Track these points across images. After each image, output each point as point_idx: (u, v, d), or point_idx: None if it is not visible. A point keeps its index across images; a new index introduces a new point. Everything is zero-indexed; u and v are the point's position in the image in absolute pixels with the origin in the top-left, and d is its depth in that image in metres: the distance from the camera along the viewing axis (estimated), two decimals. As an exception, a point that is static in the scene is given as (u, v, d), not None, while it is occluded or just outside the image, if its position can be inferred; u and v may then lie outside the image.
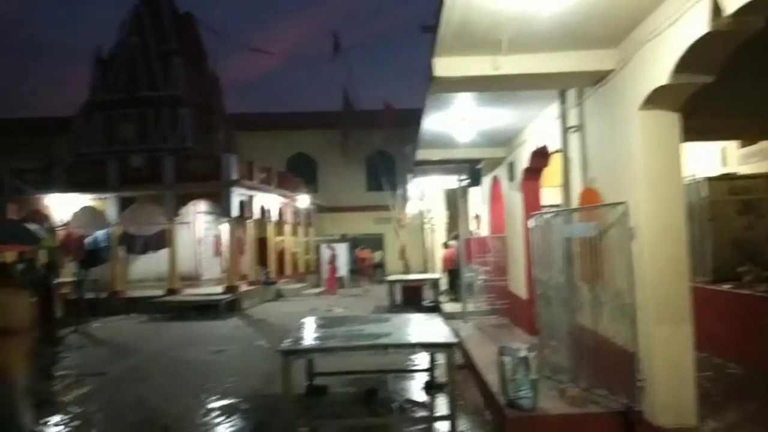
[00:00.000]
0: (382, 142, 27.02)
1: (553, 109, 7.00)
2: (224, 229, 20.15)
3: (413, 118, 8.72)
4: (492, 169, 11.37)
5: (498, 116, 7.90)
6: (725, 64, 4.34)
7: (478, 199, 13.76)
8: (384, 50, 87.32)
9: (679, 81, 4.42)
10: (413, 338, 6.12)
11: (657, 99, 4.74)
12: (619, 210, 5.18)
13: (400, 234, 25.40)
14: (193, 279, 20.71)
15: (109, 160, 19.24)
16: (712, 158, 10.40)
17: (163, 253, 18.81)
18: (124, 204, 18.90)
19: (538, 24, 4.53)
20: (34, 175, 19.18)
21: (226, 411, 6.91)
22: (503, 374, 5.35)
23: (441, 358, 6.86)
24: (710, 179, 8.27)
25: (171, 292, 18.10)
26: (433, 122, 7.97)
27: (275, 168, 23.69)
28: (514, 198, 9.70)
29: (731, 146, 10.26)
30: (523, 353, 5.28)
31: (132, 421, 6.75)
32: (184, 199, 18.89)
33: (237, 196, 18.89)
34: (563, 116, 6.61)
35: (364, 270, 25.66)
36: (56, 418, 6.82)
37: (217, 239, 22.33)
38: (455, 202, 14.56)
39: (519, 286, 9.58)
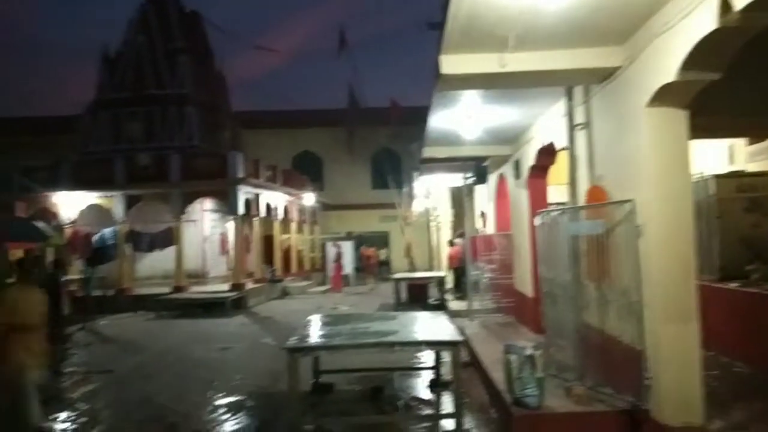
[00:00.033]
0: (388, 140, 27.03)
1: (560, 106, 6.98)
2: (230, 227, 20.22)
3: (419, 115, 8.72)
4: (498, 167, 11.35)
5: (504, 113, 7.88)
6: (733, 61, 4.32)
7: (484, 197, 13.73)
8: (390, 47, 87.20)
9: (686, 78, 4.40)
10: (419, 336, 6.13)
11: (664, 96, 4.71)
12: (626, 208, 5.16)
13: (405, 232, 25.38)
14: (199, 277, 20.80)
15: (115, 159, 19.33)
16: (719, 156, 10.33)
17: (170, 251, 18.89)
18: (130, 202, 18.98)
19: (545, 19, 4.51)
20: (42, 173, 19.30)
21: (233, 408, 6.93)
22: (509, 372, 5.35)
23: (447, 356, 6.87)
24: (718, 177, 8.23)
25: (177, 289, 18.19)
26: (439, 120, 7.96)
27: (281, 166, 23.73)
28: (520, 196, 9.69)
29: (739, 143, 10.20)
30: (529, 351, 5.27)
31: (139, 418, 6.79)
32: (190, 197, 18.95)
33: (243, 194, 18.93)
34: (570, 113, 6.59)
35: (370, 268, 25.67)
36: (64, 415, 6.86)
37: (224, 237, 22.42)
38: (461, 199, 14.54)
39: (525, 284, 9.57)
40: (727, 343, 7.03)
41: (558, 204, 8.23)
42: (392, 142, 26.74)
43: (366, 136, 27.34)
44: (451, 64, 5.26)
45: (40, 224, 14.69)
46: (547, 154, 8.26)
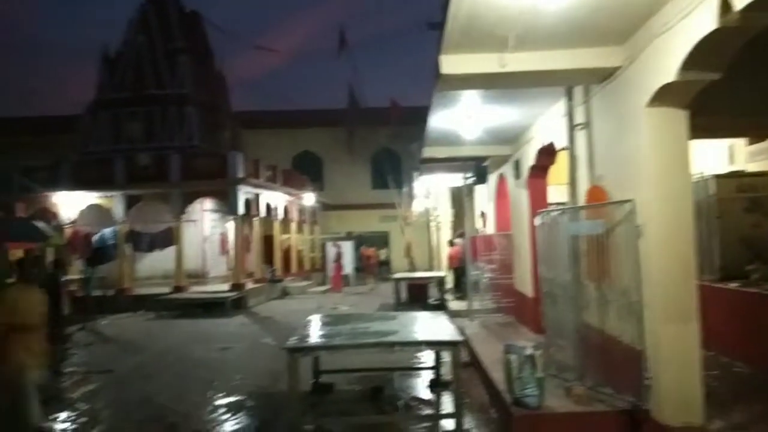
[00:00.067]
0: (388, 140, 27.02)
1: (560, 106, 6.98)
2: (230, 226, 20.22)
3: (419, 115, 8.72)
4: (498, 167, 11.35)
5: (504, 114, 7.89)
6: (733, 61, 4.32)
7: (484, 197, 13.73)
8: (390, 47, 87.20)
9: (686, 78, 4.40)
10: (419, 336, 6.13)
11: (664, 96, 4.72)
12: (626, 208, 5.16)
13: (405, 232, 25.38)
14: (199, 277, 20.80)
15: (115, 159, 19.33)
16: (719, 156, 10.33)
17: (170, 251, 18.89)
18: (130, 202, 18.98)
19: (545, 19, 4.51)
20: (42, 173, 19.29)
21: (233, 408, 6.93)
22: (509, 372, 5.35)
23: (447, 356, 6.86)
24: (718, 177, 8.23)
25: (177, 289, 18.19)
26: (439, 120, 7.96)
27: (281, 166, 23.72)
28: (520, 196, 9.69)
29: (739, 143, 10.20)
30: (529, 351, 5.27)
31: (139, 418, 6.79)
32: (190, 197, 18.95)
33: (243, 194, 18.93)
34: (570, 113, 6.59)
35: (370, 268, 25.67)
36: (64, 415, 6.86)
37: (224, 237, 22.42)
38: (461, 199, 14.54)
39: (525, 284, 9.57)
40: (727, 343, 7.03)
41: (558, 204, 8.23)
42: (392, 142, 26.74)
43: (366, 136, 27.32)
44: (451, 64, 5.26)
45: (40, 224, 14.69)
46: (547, 154, 8.26)
